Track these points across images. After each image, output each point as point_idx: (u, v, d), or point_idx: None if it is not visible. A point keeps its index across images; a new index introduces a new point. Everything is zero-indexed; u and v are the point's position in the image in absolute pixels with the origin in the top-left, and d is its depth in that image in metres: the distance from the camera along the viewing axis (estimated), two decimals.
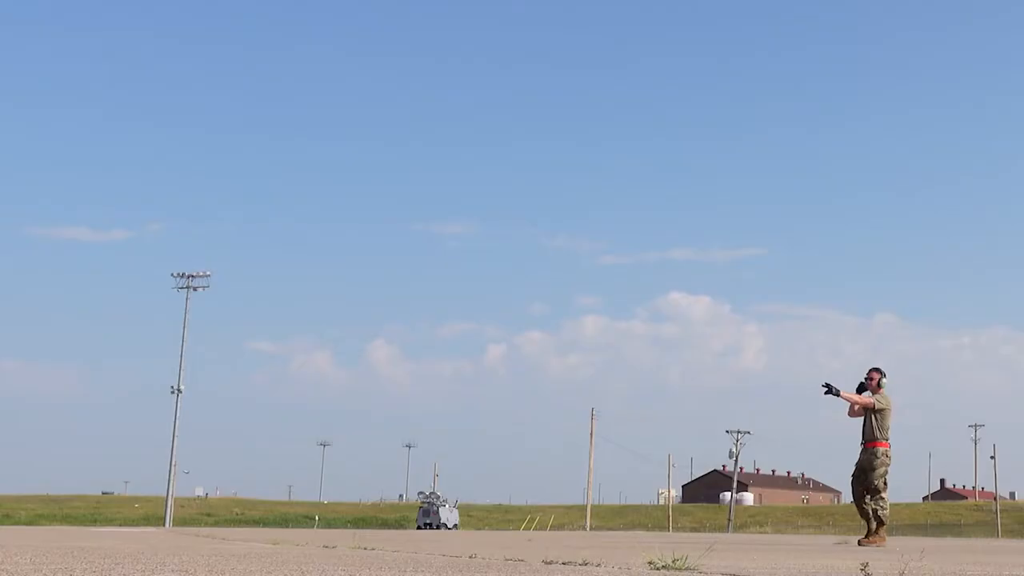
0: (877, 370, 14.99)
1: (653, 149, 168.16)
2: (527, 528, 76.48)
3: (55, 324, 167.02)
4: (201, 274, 66.26)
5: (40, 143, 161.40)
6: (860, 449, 14.98)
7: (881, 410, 14.83)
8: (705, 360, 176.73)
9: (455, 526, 69.73)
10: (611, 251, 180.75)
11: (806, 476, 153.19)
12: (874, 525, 14.83)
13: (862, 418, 15.00)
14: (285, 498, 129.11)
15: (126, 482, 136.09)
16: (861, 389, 14.95)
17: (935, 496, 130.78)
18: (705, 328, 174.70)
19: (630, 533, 47.29)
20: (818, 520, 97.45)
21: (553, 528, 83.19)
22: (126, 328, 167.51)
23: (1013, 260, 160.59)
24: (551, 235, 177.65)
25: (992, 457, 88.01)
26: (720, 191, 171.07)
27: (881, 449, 14.87)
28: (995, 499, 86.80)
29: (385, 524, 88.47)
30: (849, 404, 14.98)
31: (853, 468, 15.09)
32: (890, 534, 15.41)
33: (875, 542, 14.55)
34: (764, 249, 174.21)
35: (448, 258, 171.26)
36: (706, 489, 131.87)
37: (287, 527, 72.02)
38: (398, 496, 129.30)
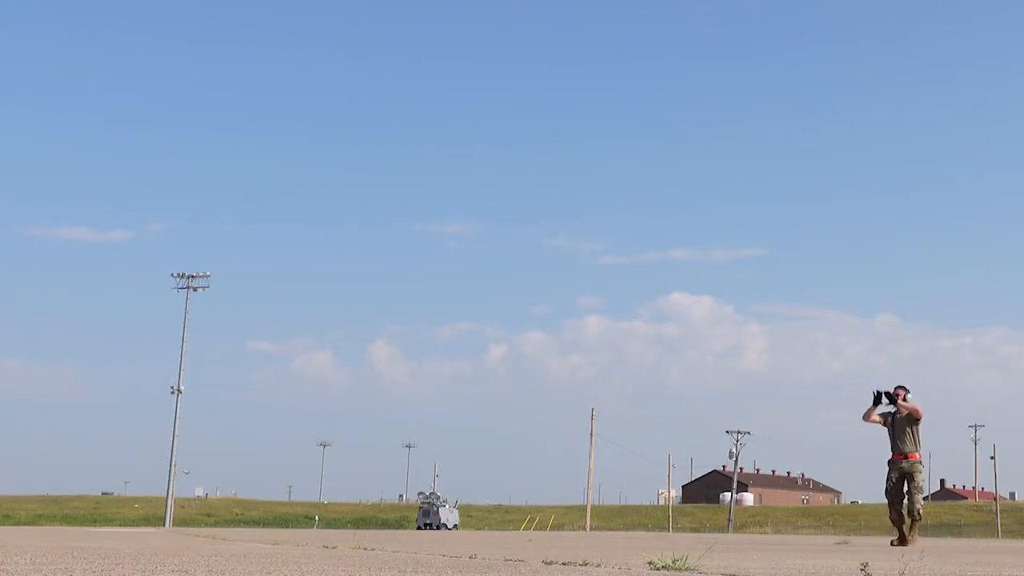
0: (903, 387, 16.08)
1: (653, 149, 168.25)
2: (527, 528, 76.48)
3: (55, 324, 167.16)
4: (201, 274, 66.25)
5: (41, 144, 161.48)
6: (896, 460, 15.87)
7: (918, 421, 15.98)
8: (706, 360, 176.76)
9: (455, 526, 69.72)
10: (611, 251, 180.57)
11: (806, 476, 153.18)
12: (915, 524, 15.89)
13: (887, 428, 16.02)
14: (285, 498, 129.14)
15: (126, 482, 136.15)
16: (877, 400, 16.04)
17: (935, 496, 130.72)
18: (706, 328, 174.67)
19: (630, 533, 47.27)
20: (818, 520, 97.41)
21: (553, 528, 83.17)
22: (126, 328, 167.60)
23: (1014, 260, 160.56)
24: (551, 235, 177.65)
25: (992, 457, 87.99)
26: (720, 191, 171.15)
27: (921, 458, 16.06)
28: (995, 499, 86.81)
29: (385, 524, 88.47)
30: (867, 410, 16.14)
31: (891, 478, 15.92)
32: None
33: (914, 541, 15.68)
34: (765, 249, 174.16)
35: (448, 258, 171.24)
36: (706, 489, 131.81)
37: (287, 527, 72.01)
38: (398, 496, 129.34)
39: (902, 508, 15.85)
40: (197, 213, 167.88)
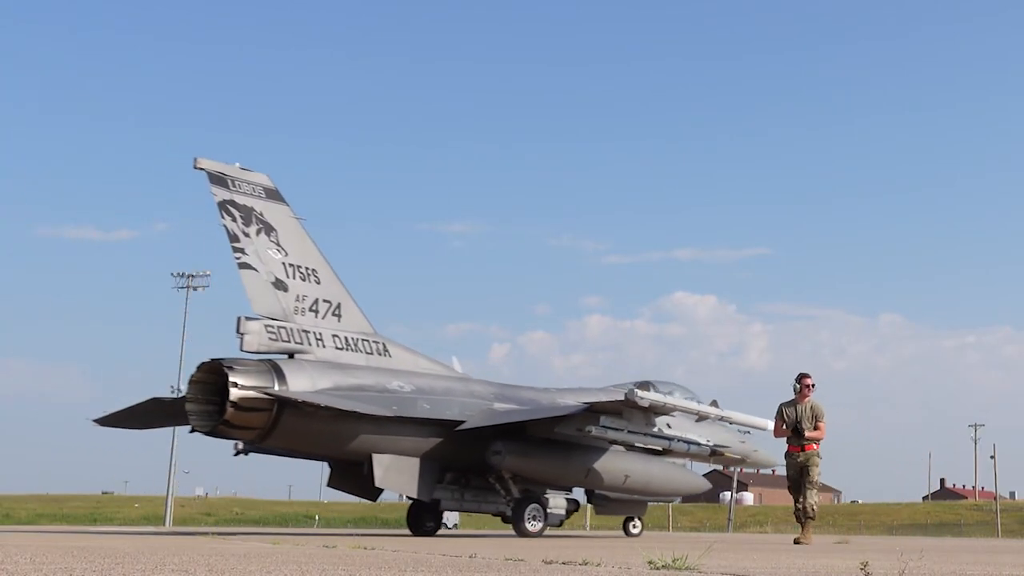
0: (809, 375, 16.21)
1: (656, 149, 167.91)
2: None
3: (57, 324, 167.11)
4: (201, 273, 66.11)
5: (44, 144, 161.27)
6: (792, 452, 16.08)
7: (821, 414, 16.17)
8: (709, 360, 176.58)
9: (455, 526, 69.66)
10: (615, 251, 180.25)
11: None
12: (808, 523, 16.08)
13: (794, 421, 16.02)
14: (285, 497, 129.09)
15: (126, 482, 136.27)
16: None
17: (935, 496, 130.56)
18: (709, 328, 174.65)
19: None
20: (818, 520, 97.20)
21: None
22: (128, 328, 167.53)
23: (1018, 260, 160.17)
24: (555, 235, 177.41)
25: (992, 457, 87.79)
26: (724, 191, 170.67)
27: (818, 450, 16.14)
28: (995, 499, 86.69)
29: (385, 524, 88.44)
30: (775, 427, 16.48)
31: (790, 473, 16.14)
32: (890, 534, 15.94)
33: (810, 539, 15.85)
34: (769, 249, 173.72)
35: (452, 258, 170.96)
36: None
37: (287, 527, 71.98)
38: (398, 496, 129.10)
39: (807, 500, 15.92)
40: (202, 213, 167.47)
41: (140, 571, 5.71)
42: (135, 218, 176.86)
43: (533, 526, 19.90)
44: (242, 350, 17.79)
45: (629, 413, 19.39)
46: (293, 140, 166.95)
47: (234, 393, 17.06)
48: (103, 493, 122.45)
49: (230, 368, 17.29)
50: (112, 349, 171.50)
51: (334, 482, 20.60)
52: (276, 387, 17.35)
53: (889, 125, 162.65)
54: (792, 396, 16.13)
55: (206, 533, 18.97)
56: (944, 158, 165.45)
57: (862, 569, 6.48)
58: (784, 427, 16.01)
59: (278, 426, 17.64)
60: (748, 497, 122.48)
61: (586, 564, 6.93)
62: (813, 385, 16.13)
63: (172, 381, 64.27)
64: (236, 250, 18.24)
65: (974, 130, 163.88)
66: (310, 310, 18.66)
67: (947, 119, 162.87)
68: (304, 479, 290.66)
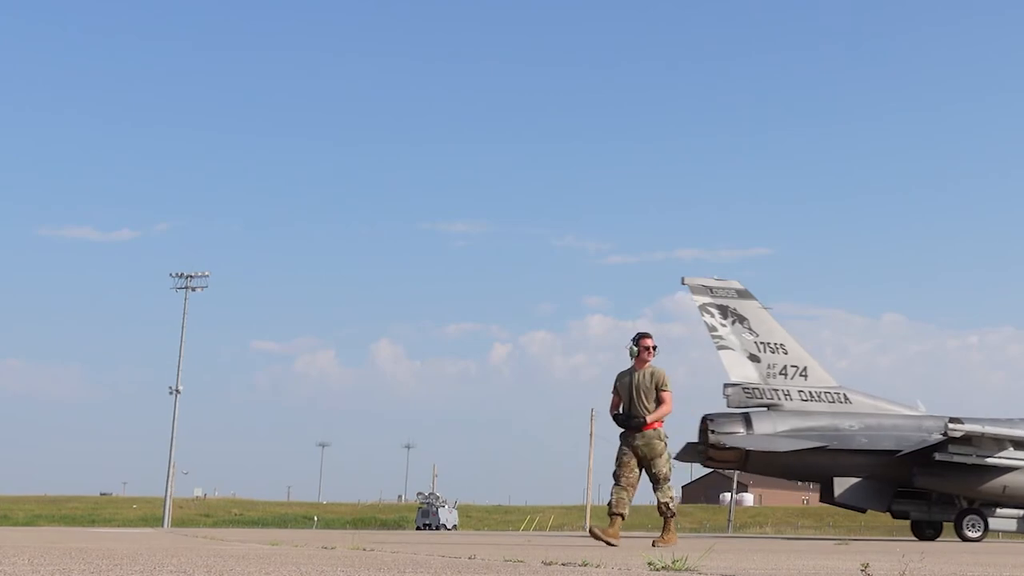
0: (649, 335, 12.46)
1: (658, 149, 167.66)
2: (527, 528, 76.43)
3: (56, 324, 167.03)
4: (200, 274, 66.04)
5: (46, 144, 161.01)
6: (627, 435, 12.25)
7: (664, 384, 12.29)
8: (711, 360, 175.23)
9: (454, 527, 69.65)
10: (618, 251, 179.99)
11: None
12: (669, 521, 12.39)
13: (629, 393, 12.35)
14: (284, 499, 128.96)
15: (124, 483, 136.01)
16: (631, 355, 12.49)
17: None
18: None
19: (630, 533, 47.19)
20: (818, 521, 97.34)
21: (553, 528, 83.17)
22: (128, 328, 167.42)
23: (1020, 259, 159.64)
24: (558, 235, 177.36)
25: None
26: (725, 191, 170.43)
27: (662, 429, 12.42)
28: None
29: (384, 524, 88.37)
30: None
31: (622, 458, 12.22)
32: (890, 534, 15.47)
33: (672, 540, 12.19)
34: (770, 249, 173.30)
35: (454, 257, 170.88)
36: (706, 490, 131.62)
37: (286, 528, 71.92)
38: (397, 496, 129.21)
39: (629, 497, 12.26)
40: (204, 213, 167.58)
41: (139, 572, 5.69)
42: (135, 218, 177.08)
43: (971, 532, 24.69)
44: (728, 407, 25.73)
45: (978, 440, 23.94)
46: (293, 140, 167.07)
47: (711, 438, 25.19)
48: (101, 494, 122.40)
49: (711, 420, 25.39)
50: (112, 349, 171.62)
51: (824, 498, 26.17)
52: (744, 433, 24.98)
53: (890, 125, 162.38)
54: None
55: (195, 536, 18.93)
56: (944, 158, 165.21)
57: (863, 570, 6.46)
58: (619, 402, 12.39)
59: (749, 459, 25.55)
60: (748, 498, 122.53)
61: (586, 565, 6.89)
62: (655, 348, 12.32)
63: (171, 382, 64.41)
64: (715, 337, 26.04)
65: (974, 130, 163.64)
66: (780, 374, 25.77)
67: (947, 119, 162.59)
68: (303, 480, 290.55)
